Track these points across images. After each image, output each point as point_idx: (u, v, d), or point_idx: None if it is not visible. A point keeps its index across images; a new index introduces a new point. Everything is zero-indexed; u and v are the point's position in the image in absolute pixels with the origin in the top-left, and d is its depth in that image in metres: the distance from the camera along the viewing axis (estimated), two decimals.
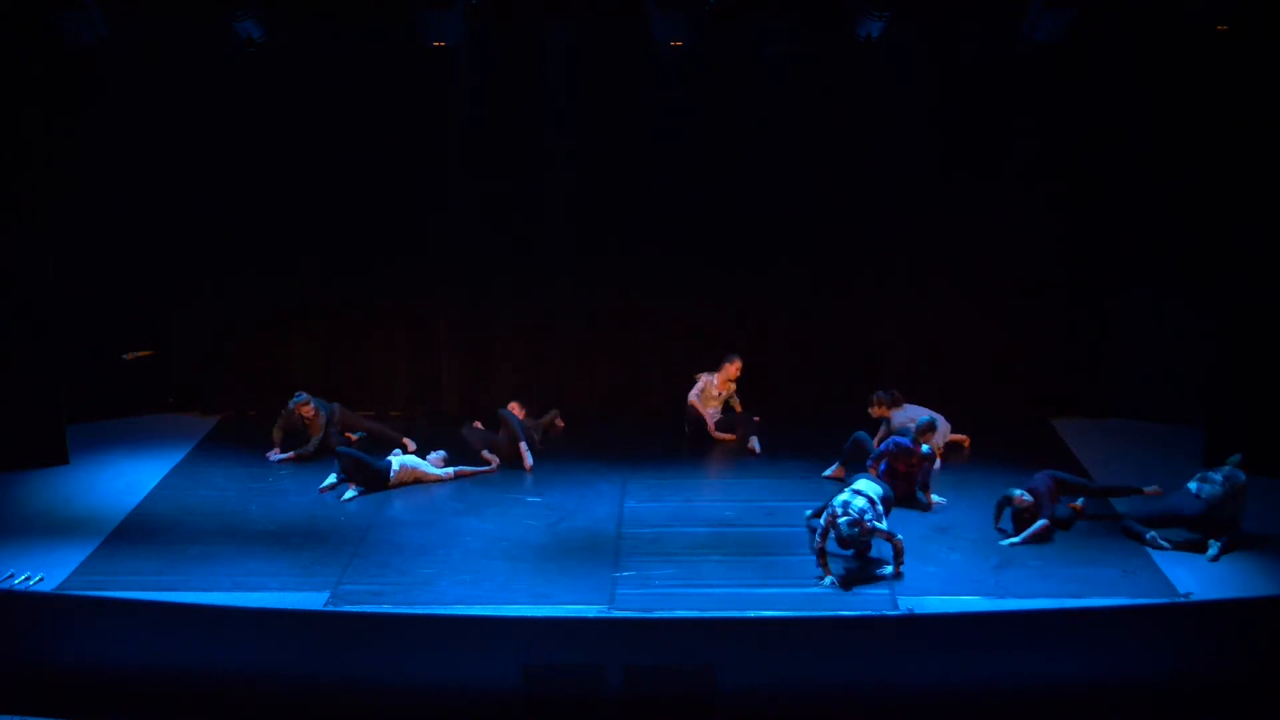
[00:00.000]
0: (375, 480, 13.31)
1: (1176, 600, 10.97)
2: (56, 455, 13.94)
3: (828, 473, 13.63)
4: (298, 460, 14.00)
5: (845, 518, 11.35)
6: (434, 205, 15.13)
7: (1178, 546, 11.87)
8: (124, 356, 15.22)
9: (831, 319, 15.29)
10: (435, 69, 14.61)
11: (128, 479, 13.66)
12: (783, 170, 14.99)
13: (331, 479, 13.39)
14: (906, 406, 13.93)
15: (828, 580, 11.29)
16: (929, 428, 13.10)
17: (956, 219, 14.95)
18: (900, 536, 11.46)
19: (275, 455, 14.10)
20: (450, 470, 13.65)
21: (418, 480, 13.50)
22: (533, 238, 15.24)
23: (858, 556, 11.61)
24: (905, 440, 12.87)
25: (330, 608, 10.97)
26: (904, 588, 11.24)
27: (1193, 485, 11.95)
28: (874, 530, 11.40)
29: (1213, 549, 11.74)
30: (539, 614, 10.78)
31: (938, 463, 13.36)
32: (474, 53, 14.61)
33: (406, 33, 14.01)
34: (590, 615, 10.81)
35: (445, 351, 15.49)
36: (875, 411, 13.94)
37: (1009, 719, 10.21)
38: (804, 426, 14.70)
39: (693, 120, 14.87)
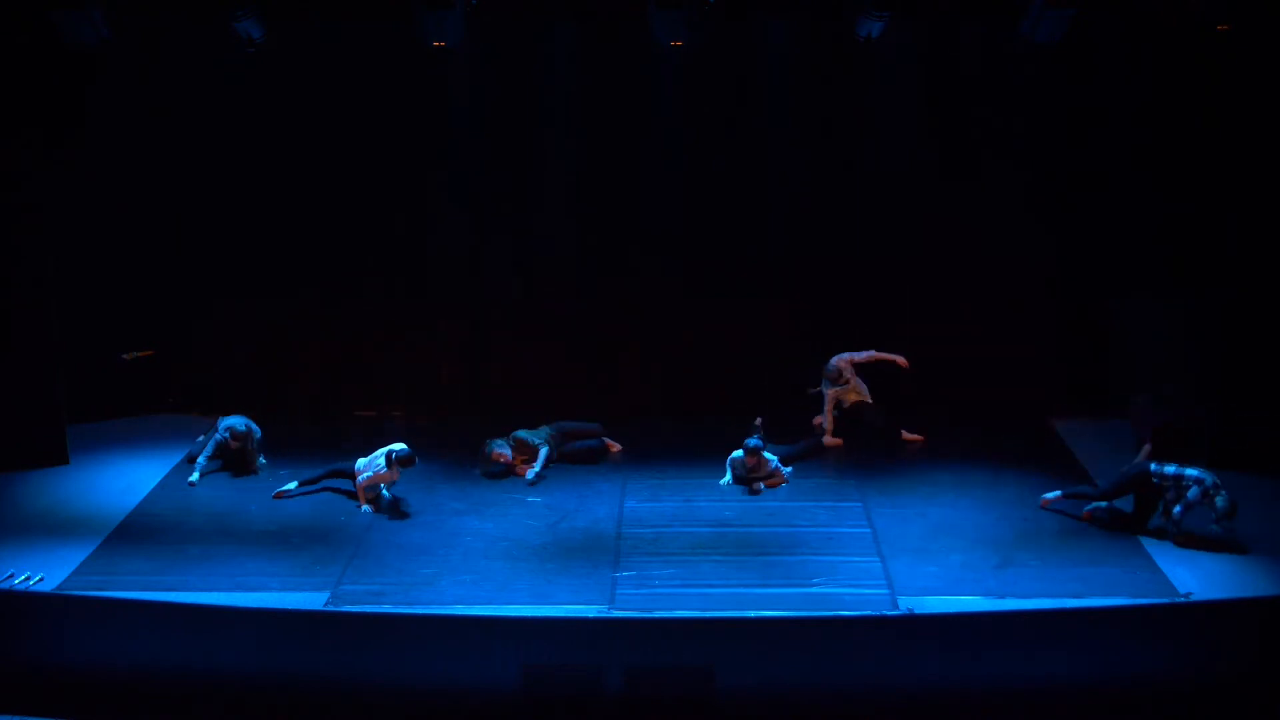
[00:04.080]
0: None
1: (1176, 600, 10.97)
2: (56, 455, 13.94)
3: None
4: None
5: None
6: (434, 205, 15.14)
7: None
8: (124, 356, 15.22)
9: (832, 318, 15.28)
10: (435, 69, 14.61)
11: (128, 479, 13.65)
12: (783, 169, 15.01)
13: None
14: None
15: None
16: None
17: (957, 218, 14.95)
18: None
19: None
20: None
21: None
22: (533, 237, 15.25)
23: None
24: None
25: (330, 608, 10.97)
26: (904, 588, 11.25)
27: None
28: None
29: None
30: (539, 614, 10.77)
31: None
32: (474, 53, 14.62)
33: (406, 33, 14.01)
34: (590, 615, 10.81)
35: (445, 351, 15.48)
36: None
37: (1009, 719, 10.21)
38: (803, 426, 14.70)
39: (693, 119, 14.88)
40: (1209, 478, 11.89)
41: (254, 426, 13.78)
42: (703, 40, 14.29)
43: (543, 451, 13.68)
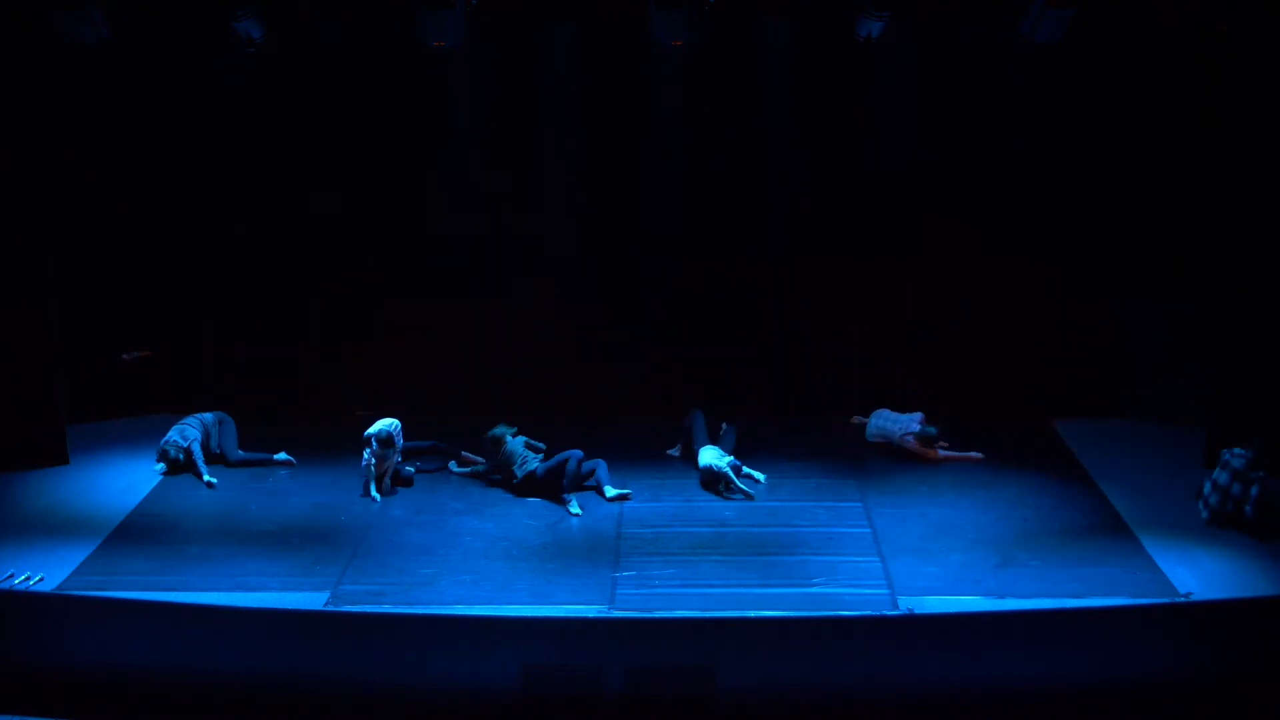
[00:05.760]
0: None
1: (1176, 600, 10.97)
2: (56, 455, 13.94)
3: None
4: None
5: None
6: (433, 205, 15.13)
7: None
8: (124, 356, 15.22)
9: (831, 318, 15.28)
10: (435, 69, 14.61)
11: (128, 479, 13.66)
12: (783, 169, 15.00)
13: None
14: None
15: None
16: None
17: (957, 219, 14.95)
18: None
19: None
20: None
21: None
22: (533, 238, 15.24)
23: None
24: None
25: (330, 608, 10.98)
26: (904, 588, 11.25)
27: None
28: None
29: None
30: (539, 614, 10.78)
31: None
32: (474, 53, 14.62)
33: (406, 33, 14.01)
34: (590, 615, 10.81)
35: (445, 351, 15.48)
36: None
37: (1008, 719, 10.21)
38: (802, 427, 14.70)
39: (693, 119, 14.87)
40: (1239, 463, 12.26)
41: (172, 440, 13.74)
42: (703, 40, 14.27)
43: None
